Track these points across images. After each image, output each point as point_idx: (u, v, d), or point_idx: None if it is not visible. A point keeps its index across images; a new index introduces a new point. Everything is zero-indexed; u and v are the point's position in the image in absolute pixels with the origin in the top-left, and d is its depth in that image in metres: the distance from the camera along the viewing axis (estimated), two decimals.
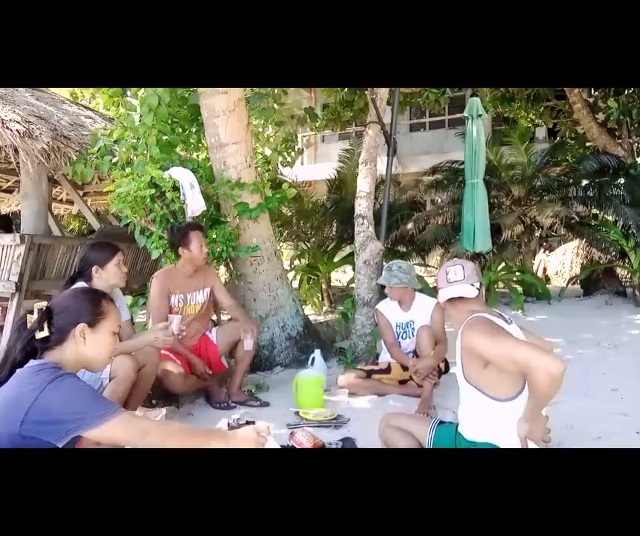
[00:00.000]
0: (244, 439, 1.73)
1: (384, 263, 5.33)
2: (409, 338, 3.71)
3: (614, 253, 7.38)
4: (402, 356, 3.62)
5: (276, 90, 6.32)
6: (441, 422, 2.32)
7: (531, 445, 1.96)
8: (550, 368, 1.75)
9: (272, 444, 2.55)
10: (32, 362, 1.56)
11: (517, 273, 7.56)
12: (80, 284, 2.87)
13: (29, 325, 1.63)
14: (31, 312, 1.64)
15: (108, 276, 2.91)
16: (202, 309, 3.67)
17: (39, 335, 1.60)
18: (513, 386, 1.97)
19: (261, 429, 2.06)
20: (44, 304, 1.68)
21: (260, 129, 6.90)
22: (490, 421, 2.04)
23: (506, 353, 1.87)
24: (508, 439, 1.99)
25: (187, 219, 4.15)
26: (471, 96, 6.32)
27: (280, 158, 6.71)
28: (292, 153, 6.74)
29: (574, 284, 8.29)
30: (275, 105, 6.34)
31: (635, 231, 6.94)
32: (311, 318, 5.65)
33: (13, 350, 1.61)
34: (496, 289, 7.35)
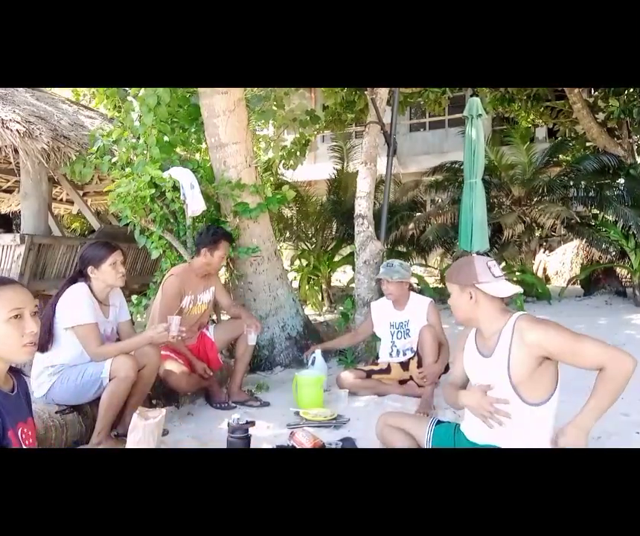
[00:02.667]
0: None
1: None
2: (404, 338, 3.72)
3: (614, 253, 7.38)
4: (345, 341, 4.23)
5: (278, 91, 6.33)
6: (439, 422, 2.31)
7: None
8: (628, 363, 1.76)
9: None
10: None
11: (517, 273, 7.57)
12: (80, 284, 2.87)
13: None
14: None
15: (103, 276, 2.89)
16: (207, 308, 3.69)
17: None
18: (548, 390, 1.92)
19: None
20: None
21: (264, 132, 6.91)
22: (512, 425, 1.94)
23: (583, 350, 1.84)
24: (521, 444, 1.91)
25: (188, 220, 4.16)
26: (471, 96, 6.32)
27: (283, 162, 6.72)
28: (297, 156, 6.76)
29: (574, 284, 8.30)
30: (276, 108, 6.35)
31: (635, 232, 6.94)
32: (311, 318, 5.65)
33: None
34: None
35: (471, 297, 1.97)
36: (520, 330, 1.89)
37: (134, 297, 4.41)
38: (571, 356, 1.85)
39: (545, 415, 1.92)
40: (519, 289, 2.09)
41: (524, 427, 1.92)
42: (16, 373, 1.70)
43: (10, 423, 1.51)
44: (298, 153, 6.83)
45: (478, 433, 2.04)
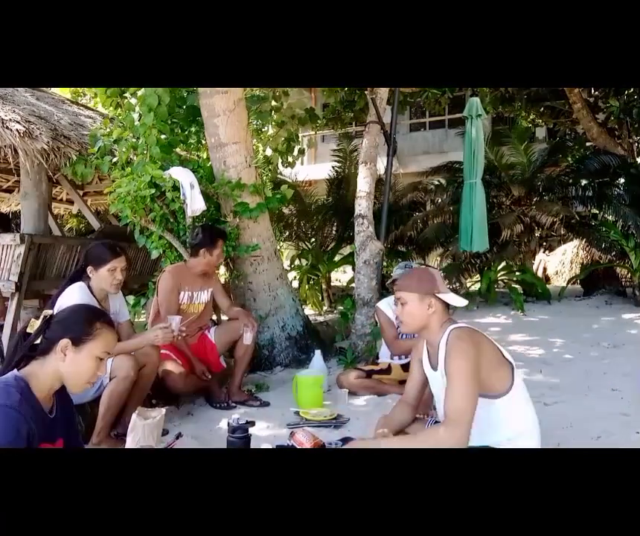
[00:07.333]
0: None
1: (384, 263, 5.33)
2: (409, 338, 3.72)
3: (614, 253, 7.37)
4: (404, 345, 3.62)
5: (277, 91, 6.33)
6: (437, 422, 2.32)
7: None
8: (450, 438, 1.82)
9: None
10: (7, 375, 1.53)
11: (517, 273, 7.55)
12: (79, 284, 2.87)
13: (29, 330, 1.61)
14: (37, 317, 1.63)
15: (99, 279, 2.88)
16: (204, 308, 3.69)
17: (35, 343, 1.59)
18: (497, 387, 1.98)
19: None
20: (50, 312, 1.67)
21: (263, 130, 6.91)
22: (484, 422, 2.01)
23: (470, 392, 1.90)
24: (501, 438, 1.99)
25: (188, 220, 4.16)
26: (471, 96, 6.32)
27: (281, 159, 6.72)
28: (294, 154, 6.75)
29: (574, 283, 8.29)
30: (274, 107, 6.35)
31: (635, 231, 6.93)
32: (311, 318, 5.65)
33: (13, 355, 1.60)
34: (496, 289, 7.35)
35: (429, 306, 2.08)
36: (448, 344, 1.99)
37: (130, 298, 4.41)
38: (448, 389, 1.93)
39: (506, 405, 1.99)
40: (466, 302, 2.24)
41: (491, 420, 1.99)
42: (62, 395, 1.71)
43: (35, 443, 1.52)
44: (296, 152, 6.84)
45: None
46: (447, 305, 2.12)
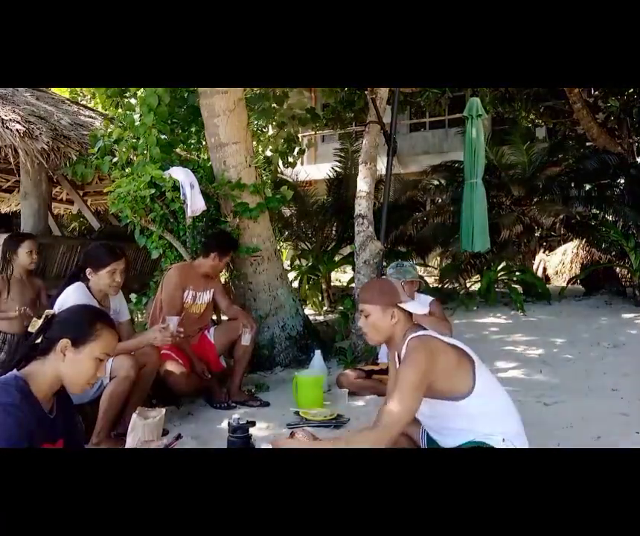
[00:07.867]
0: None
1: (384, 263, 5.33)
2: None
3: (614, 253, 7.37)
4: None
5: (278, 91, 6.34)
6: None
7: None
8: (377, 440, 1.85)
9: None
10: (7, 375, 1.54)
11: (517, 273, 7.55)
12: (78, 284, 2.87)
13: (31, 329, 1.62)
14: (39, 316, 1.64)
15: (98, 281, 2.88)
16: (206, 308, 3.70)
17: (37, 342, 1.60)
18: (461, 387, 1.98)
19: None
20: (51, 311, 1.67)
21: (263, 130, 6.92)
22: (458, 423, 2.02)
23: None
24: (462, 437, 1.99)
25: (188, 220, 4.16)
26: (471, 96, 6.32)
27: (282, 160, 6.72)
28: (294, 154, 6.75)
29: (574, 283, 8.29)
30: (275, 106, 6.35)
31: (635, 231, 6.94)
32: (311, 318, 5.65)
33: (15, 354, 1.61)
34: (496, 289, 7.35)
35: (392, 317, 2.07)
36: (404, 353, 2.00)
37: (133, 296, 4.42)
38: (391, 393, 1.97)
39: (472, 403, 1.98)
40: (427, 309, 2.28)
41: (464, 420, 2.00)
42: (62, 396, 1.71)
43: (36, 443, 1.52)
44: (296, 152, 6.84)
45: (439, 440, 2.13)
46: (410, 314, 2.13)
